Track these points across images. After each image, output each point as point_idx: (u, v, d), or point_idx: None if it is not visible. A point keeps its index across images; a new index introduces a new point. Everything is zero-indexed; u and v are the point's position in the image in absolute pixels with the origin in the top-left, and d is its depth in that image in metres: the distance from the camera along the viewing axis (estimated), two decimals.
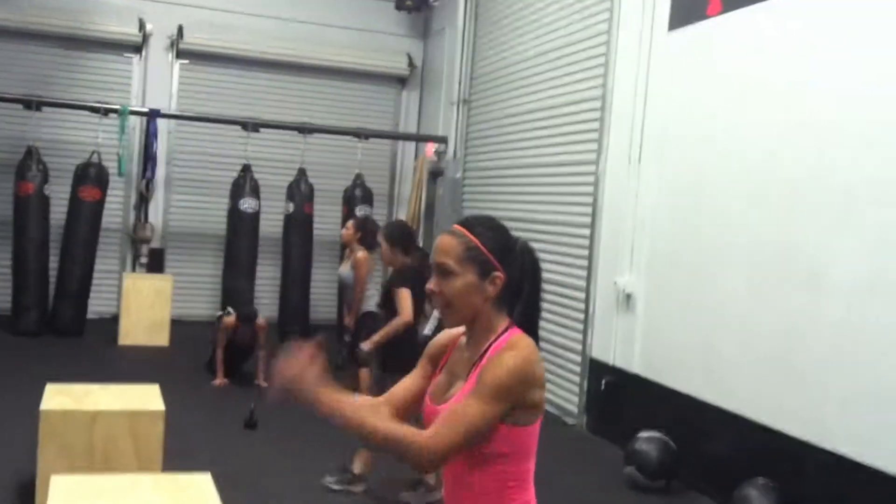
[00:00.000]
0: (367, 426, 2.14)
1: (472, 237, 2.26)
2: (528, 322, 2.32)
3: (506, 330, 2.27)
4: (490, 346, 2.25)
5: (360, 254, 6.59)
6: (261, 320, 7.69)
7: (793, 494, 4.84)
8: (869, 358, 4.57)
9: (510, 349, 2.19)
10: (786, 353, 5.05)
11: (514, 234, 2.36)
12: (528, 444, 2.26)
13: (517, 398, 2.15)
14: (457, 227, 2.30)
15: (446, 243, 2.28)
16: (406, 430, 2.13)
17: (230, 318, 7.64)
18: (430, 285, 2.29)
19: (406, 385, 2.47)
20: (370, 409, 2.31)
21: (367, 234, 6.65)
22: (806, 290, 4.94)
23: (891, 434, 4.43)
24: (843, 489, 4.64)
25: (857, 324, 4.65)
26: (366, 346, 5.30)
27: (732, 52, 5.69)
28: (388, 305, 5.38)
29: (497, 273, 2.26)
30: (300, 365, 2.14)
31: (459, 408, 2.15)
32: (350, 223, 6.94)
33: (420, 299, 5.20)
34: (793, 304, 5.02)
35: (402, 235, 5.51)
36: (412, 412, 2.45)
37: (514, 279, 2.30)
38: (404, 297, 5.19)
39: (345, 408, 2.15)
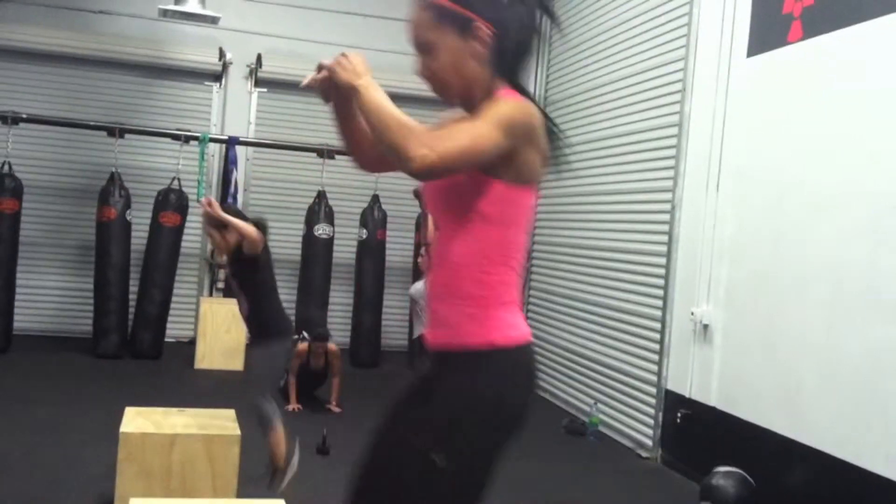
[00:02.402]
0: (389, 105, 2.00)
1: None
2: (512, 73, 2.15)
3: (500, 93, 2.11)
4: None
5: None
6: (332, 345, 7.74)
7: None
8: None
9: (504, 95, 2.05)
10: (871, 388, 4.88)
11: None
12: (513, 212, 2.11)
13: (519, 139, 2.00)
14: None
15: (413, 18, 2.13)
16: (418, 124, 1.98)
17: (303, 345, 7.72)
18: (417, 70, 2.15)
19: None
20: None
21: None
22: (893, 323, 4.77)
23: None
24: None
25: None
26: None
27: (813, 79, 5.58)
28: None
29: (476, 23, 2.06)
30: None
31: (465, 124, 2.01)
32: (425, 250, 6.98)
33: None
34: (879, 337, 4.85)
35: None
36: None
37: (511, 32, 2.09)
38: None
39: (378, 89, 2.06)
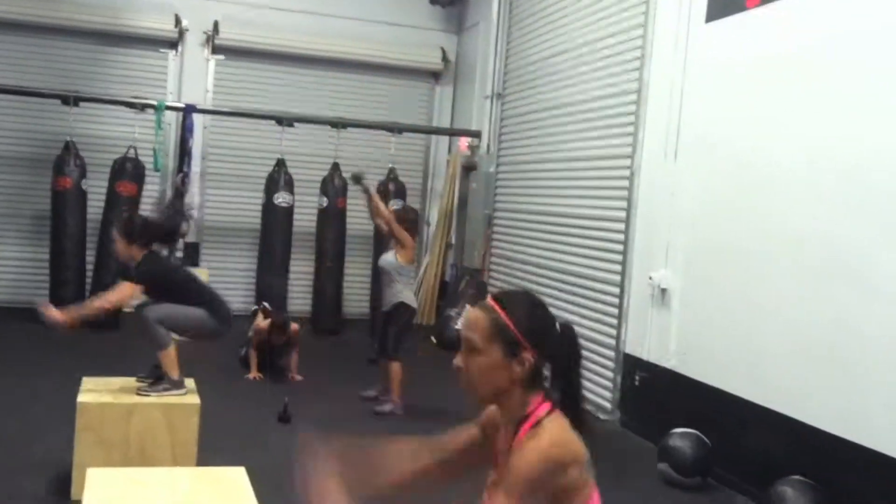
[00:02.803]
0: None
1: (501, 313, 2.09)
2: (571, 403, 2.13)
3: (534, 410, 2.09)
4: (519, 429, 2.09)
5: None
6: (294, 325, 7.74)
7: (831, 493, 4.77)
8: None
9: (533, 437, 2.03)
10: (829, 350, 4.97)
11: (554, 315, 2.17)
12: None
13: (549, 489, 1.98)
14: (489, 300, 2.15)
15: (474, 317, 2.12)
16: None
17: (263, 323, 7.70)
18: (456, 360, 2.15)
19: (456, 444, 2.31)
20: (409, 455, 2.20)
21: (407, 222, 6.79)
22: (853, 287, 4.84)
23: None
24: (884, 488, 4.57)
25: None
26: (59, 316, 4.95)
27: (772, 44, 5.61)
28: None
29: (526, 354, 2.08)
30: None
31: None
32: (387, 232, 6.96)
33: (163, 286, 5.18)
34: (839, 301, 4.92)
35: (142, 230, 5.30)
36: (461, 470, 2.31)
37: (552, 360, 2.13)
38: (122, 288, 5.17)
39: None
